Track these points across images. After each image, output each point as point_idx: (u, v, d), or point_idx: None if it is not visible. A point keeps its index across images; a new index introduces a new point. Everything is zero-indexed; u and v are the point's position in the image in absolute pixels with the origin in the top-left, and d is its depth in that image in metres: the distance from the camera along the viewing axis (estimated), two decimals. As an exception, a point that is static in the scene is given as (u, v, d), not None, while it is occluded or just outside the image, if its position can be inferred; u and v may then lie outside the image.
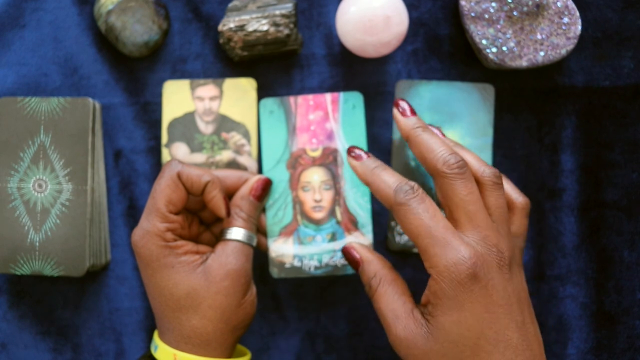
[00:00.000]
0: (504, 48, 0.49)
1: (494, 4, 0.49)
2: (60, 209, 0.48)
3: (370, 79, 0.52)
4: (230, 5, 0.50)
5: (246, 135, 0.51)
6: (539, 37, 0.49)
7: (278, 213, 0.49)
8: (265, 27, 0.49)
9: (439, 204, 0.40)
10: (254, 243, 0.47)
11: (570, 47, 0.49)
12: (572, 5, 0.49)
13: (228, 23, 0.49)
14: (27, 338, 0.53)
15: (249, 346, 0.52)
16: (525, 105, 0.52)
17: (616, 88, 0.52)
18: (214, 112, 0.51)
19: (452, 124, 0.51)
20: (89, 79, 0.52)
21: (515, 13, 0.49)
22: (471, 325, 0.37)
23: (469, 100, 0.51)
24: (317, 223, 0.49)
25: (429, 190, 0.51)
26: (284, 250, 0.49)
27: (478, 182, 0.41)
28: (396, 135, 0.52)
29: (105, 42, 0.52)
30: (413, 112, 0.44)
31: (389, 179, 0.41)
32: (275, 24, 0.49)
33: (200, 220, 0.49)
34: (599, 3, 0.52)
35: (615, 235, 0.52)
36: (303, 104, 0.50)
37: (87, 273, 0.49)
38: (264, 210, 0.50)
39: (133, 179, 0.53)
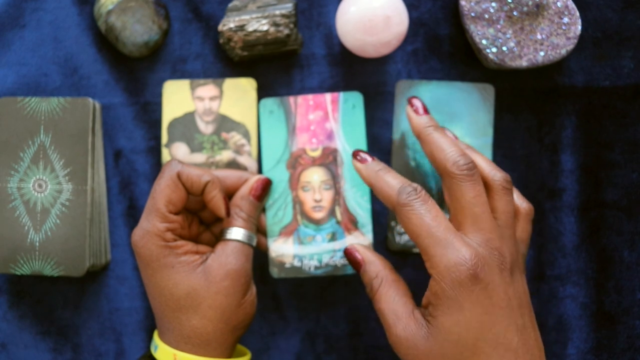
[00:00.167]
0: (504, 48, 0.49)
1: (494, 4, 0.49)
2: (60, 209, 0.48)
3: (370, 79, 0.52)
4: (230, 5, 0.50)
5: (246, 135, 0.51)
6: (539, 37, 0.49)
7: (278, 213, 0.49)
8: (265, 27, 0.49)
9: (441, 206, 0.40)
10: (254, 243, 0.47)
11: (570, 47, 0.49)
12: (572, 5, 0.49)
13: (228, 23, 0.49)
14: (27, 338, 0.53)
15: (249, 346, 0.52)
16: (525, 105, 0.52)
17: (616, 88, 0.52)
18: (214, 112, 0.51)
19: (452, 124, 0.51)
20: (89, 79, 0.52)
21: (515, 13, 0.49)
22: (471, 326, 0.37)
23: (469, 100, 0.51)
24: (317, 223, 0.49)
25: (429, 191, 0.51)
26: (284, 250, 0.49)
27: (488, 185, 0.41)
28: (396, 135, 0.52)
29: (105, 42, 0.52)
30: (426, 111, 0.44)
31: (392, 181, 0.41)
32: (275, 24, 0.49)
33: (200, 220, 0.49)
34: (599, 3, 0.52)
35: (615, 235, 0.52)
36: (303, 103, 0.50)
37: (87, 273, 0.49)
38: (264, 210, 0.50)
39: (133, 179, 0.53)
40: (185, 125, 0.52)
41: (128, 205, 0.53)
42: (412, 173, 0.51)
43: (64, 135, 0.49)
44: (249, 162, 0.51)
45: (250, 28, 0.49)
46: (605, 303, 0.52)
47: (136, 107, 0.52)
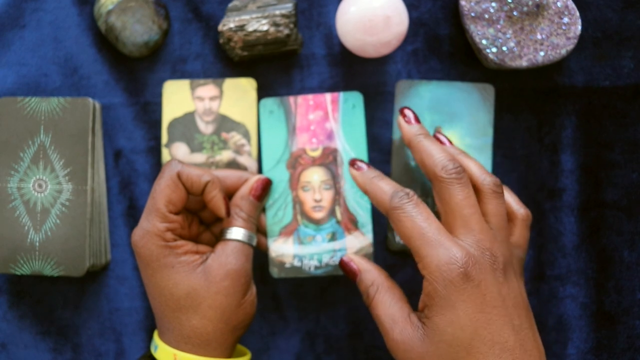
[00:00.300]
0: (504, 48, 0.49)
1: (494, 4, 0.49)
2: (60, 209, 0.48)
3: (370, 79, 0.52)
4: (230, 5, 0.50)
5: (246, 135, 0.51)
6: (539, 37, 0.49)
7: (278, 213, 0.49)
8: (265, 27, 0.49)
9: (435, 213, 0.41)
10: (254, 243, 0.47)
11: (570, 47, 0.49)
12: (572, 5, 0.49)
13: (228, 23, 0.49)
14: (27, 338, 0.53)
15: (249, 346, 0.52)
16: (525, 105, 0.52)
17: (616, 88, 0.52)
18: (214, 112, 0.51)
19: (452, 124, 0.51)
20: (89, 79, 0.52)
21: (515, 13, 0.49)
22: (464, 325, 0.37)
23: (469, 100, 0.51)
24: (317, 223, 0.49)
25: (428, 191, 0.51)
26: (284, 250, 0.49)
27: (478, 189, 0.42)
28: (396, 136, 0.52)
29: (105, 42, 0.52)
30: (417, 120, 0.45)
31: (385, 186, 0.42)
32: (275, 24, 0.49)
33: (200, 220, 0.49)
34: (599, 3, 0.52)
35: (615, 235, 0.52)
36: (303, 103, 0.50)
37: (87, 273, 0.49)
38: (264, 210, 0.50)
39: (133, 179, 0.53)
40: (185, 125, 0.52)
41: (128, 205, 0.53)
42: (412, 173, 0.51)
43: (64, 135, 0.49)
44: (249, 162, 0.51)
45: (250, 28, 0.49)
46: (605, 303, 0.52)
47: (136, 107, 0.52)
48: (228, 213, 0.46)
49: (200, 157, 0.51)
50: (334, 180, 0.49)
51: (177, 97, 0.52)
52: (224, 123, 0.51)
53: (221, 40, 0.50)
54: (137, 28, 0.50)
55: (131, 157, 0.53)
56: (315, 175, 0.49)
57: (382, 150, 0.52)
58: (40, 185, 0.49)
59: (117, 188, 0.53)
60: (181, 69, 0.52)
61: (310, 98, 0.50)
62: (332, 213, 0.49)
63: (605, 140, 0.52)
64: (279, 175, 0.50)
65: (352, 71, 0.52)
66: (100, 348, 0.52)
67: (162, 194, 0.44)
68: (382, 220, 0.52)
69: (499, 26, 0.49)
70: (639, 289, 0.52)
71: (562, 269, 0.52)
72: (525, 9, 0.49)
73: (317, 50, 0.52)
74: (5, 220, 0.48)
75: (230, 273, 0.44)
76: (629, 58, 0.52)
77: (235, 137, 0.51)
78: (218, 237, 0.47)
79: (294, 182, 0.49)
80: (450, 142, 0.47)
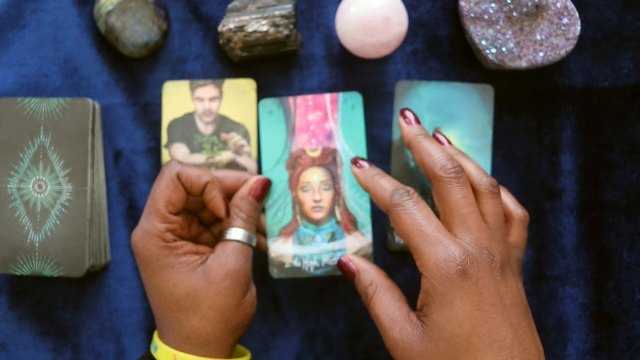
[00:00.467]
0: (504, 49, 0.49)
1: (493, 5, 0.49)
2: (60, 209, 0.48)
3: (369, 80, 0.52)
4: (230, 6, 0.50)
5: (246, 135, 0.51)
6: (538, 37, 0.49)
7: (278, 213, 0.49)
8: (264, 28, 0.49)
9: (435, 213, 0.41)
10: (254, 243, 0.47)
11: (570, 47, 0.49)
12: (571, 6, 0.49)
13: (228, 24, 0.49)
14: (27, 338, 0.53)
15: (249, 346, 0.52)
16: (525, 106, 0.52)
17: (615, 89, 0.52)
18: (214, 112, 0.52)
19: (451, 124, 0.51)
20: (88, 79, 0.53)
21: (514, 14, 0.49)
22: (463, 322, 0.37)
23: (468, 101, 0.51)
24: (316, 223, 0.49)
25: (427, 192, 0.51)
26: (283, 250, 0.49)
27: (475, 190, 0.42)
28: (396, 136, 0.52)
29: (105, 43, 0.53)
30: (417, 121, 0.46)
31: (386, 184, 0.43)
32: (275, 25, 0.49)
33: (200, 220, 0.49)
34: (599, 4, 0.52)
35: (614, 236, 0.52)
36: (302, 104, 0.50)
37: (87, 274, 0.49)
38: (263, 210, 0.50)
39: (133, 180, 0.53)
40: (185, 126, 0.52)
41: (128, 205, 0.53)
42: (412, 173, 0.51)
43: (63, 135, 0.49)
44: (249, 162, 0.51)
45: (249, 29, 0.49)
46: (604, 304, 0.52)
47: (136, 107, 0.52)
48: (228, 213, 0.46)
49: (199, 158, 0.51)
50: (334, 181, 0.49)
51: (177, 98, 0.52)
52: (223, 124, 0.51)
53: (221, 41, 0.50)
54: (137, 29, 0.50)
55: (131, 157, 0.53)
56: (314, 176, 0.49)
57: (382, 151, 0.52)
58: (40, 186, 0.49)
59: (116, 189, 0.53)
60: (181, 69, 0.52)
61: (310, 98, 0.50)
62: (331, 213, 0.49)
63: (604, 141, 0.52)
64: (278, 175, 0.50)
65: (352, 72, 0.52)
66: (100, 348, 0.53)
67: (162, 194, 0.44)
68: (381, 221, 0.52)
69: (498, 27, 0.49)
70: (638, 289, 0.52)
71: (561, 269, 0.52)
72: (524, 9, 0.49)
73: (316, 50, 0.52)
74: (5, 220, 0.49)
75: (230, 273, 0.44)
76: (628, 59, 0.52)
77: (234, 138, 0.51)
78: (218, 238, 0.47)
79: (294, 183, 0.49)
80: (449, 142, 0.47)
